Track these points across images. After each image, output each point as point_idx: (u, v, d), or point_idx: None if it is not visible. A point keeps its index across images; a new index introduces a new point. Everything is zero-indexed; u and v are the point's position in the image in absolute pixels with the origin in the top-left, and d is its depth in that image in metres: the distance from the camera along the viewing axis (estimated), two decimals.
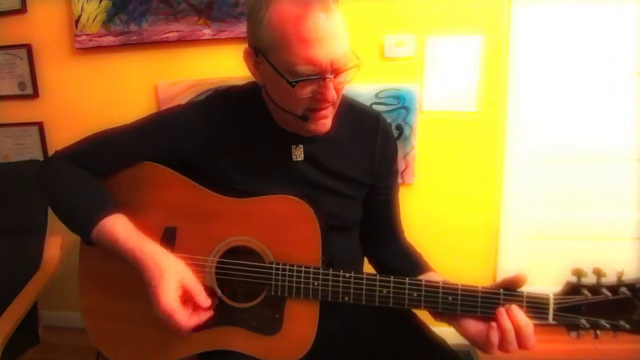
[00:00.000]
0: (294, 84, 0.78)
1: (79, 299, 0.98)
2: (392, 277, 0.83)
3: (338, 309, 0.91)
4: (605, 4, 1.70)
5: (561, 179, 1.85)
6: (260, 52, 0.82)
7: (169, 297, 0.79)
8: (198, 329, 0.83)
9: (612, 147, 1.81)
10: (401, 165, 1.81)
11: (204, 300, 0.83)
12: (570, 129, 1.81)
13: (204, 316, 0.83)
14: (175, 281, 0.81)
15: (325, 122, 0.86)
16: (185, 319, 0.80)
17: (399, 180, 1.77)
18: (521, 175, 1.84)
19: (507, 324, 0.76)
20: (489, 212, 1.86)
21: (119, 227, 0.85)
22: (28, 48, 1.91)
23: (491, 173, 1.84)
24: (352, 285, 0.84)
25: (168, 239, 0.91)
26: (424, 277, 0.89)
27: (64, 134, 1.92)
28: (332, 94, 0.80)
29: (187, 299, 0.82)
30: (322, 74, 0.78)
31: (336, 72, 0.79)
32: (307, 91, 0.80)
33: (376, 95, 1.77)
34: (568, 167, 1.84)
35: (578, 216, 1.87)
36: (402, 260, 1.02)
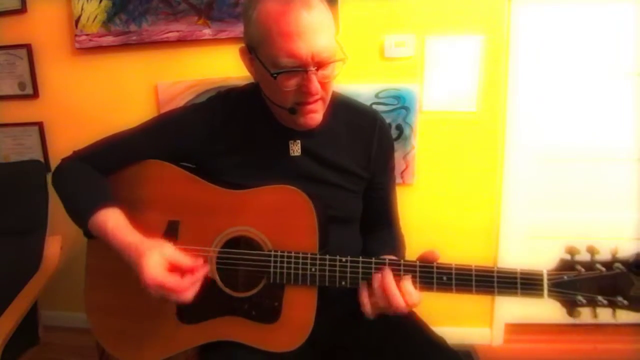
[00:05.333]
0: (275, 75, 0.81)
1: (85, 295, 1.00)
2: (387, 259, 0.85)
3: (336, 306, 0.92)
4: (605, 4, 1.71)
5: (561, 178, 1.86)
6: (251, 49, 0.86)
7: (154, 270, 0.80)
8: (199, 293, 0.83)
9: (612, 147, 1.82)
10: (401, 165, 1.81)
11: (189, 261, 0.84)
12: (570, 129, 1.82)
13: (197, 275, 0.83)
14: (157, 256, 0.82)
15: (314, 116, 0.88)
16: (177, 283, 0.81)
17: (399, 180, 1.79)
18: (521, 175, 1.84)
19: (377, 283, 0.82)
20: (489, 212, 1.86)
21: (110, 220, 0.88)
22: (28, 48, 1.90)
23: (491, 173, 1.84)
24: (348, 270, 0.85)
25: (171, 232, 0.94)
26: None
27: (64, 134, 1.94)
28: (315, 86, 0.82)
29: (174, 269, 0.83)
30: (303, 67, 0.81)
31: (319, 65, 0.82)
32: (290, 84, 0.83)
33: (376, 95, 1.77)
34: (568, 167, 1.85)
35: (578, 216, 1.87)
36: (376, 242, 1.04)
